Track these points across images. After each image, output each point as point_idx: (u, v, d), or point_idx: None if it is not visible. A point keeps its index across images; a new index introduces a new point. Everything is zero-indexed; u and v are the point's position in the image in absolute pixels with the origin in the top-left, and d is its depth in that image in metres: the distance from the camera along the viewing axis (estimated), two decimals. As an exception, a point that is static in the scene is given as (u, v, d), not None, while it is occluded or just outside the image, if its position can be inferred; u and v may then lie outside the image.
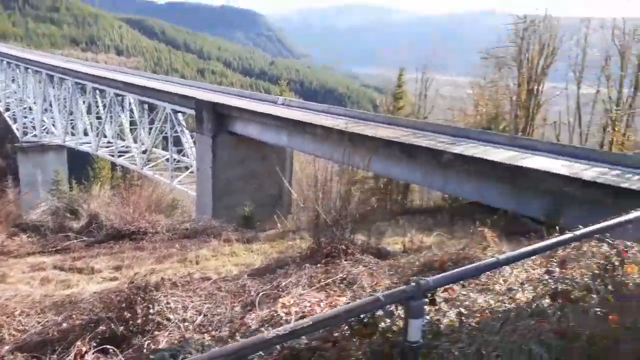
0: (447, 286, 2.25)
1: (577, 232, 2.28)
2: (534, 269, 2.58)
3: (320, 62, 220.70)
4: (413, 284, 1.88)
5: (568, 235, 2.22)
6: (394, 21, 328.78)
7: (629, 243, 2.81)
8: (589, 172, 10.48)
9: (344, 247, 4.30)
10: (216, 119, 17.57)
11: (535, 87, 26.75)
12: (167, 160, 21.23)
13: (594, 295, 2.33)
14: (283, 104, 19.37)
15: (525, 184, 11.86)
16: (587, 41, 22.66)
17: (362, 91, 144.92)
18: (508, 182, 12.41)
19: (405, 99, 40.10)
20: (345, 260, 3.92)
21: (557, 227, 3.27)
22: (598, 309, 2.21)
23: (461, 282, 2.43)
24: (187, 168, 20.90)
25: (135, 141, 23.49)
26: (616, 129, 20.84)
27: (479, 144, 15.13)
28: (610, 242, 2.71)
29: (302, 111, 18.00)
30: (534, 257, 2.43)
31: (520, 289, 2.41)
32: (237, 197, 16.14)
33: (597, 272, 2.51)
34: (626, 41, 20.91)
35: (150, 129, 21.87)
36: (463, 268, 2.01)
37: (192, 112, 18.46)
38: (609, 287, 2.40)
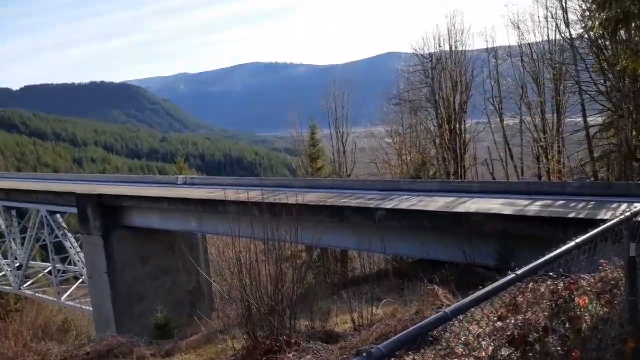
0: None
1: (519, 272, 2.45)
2: (488, 318, 2.71)
3: (220, 130, 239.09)
4: (363, 354, 1.89)
5: (510, 276, 2.37)
6: (294, 75, 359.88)
7: (584, 275, 3.09)
8: (532, 207, 11.90)
9: (285, 337, 4.08)
10: (105, 214, 17.13)
11: (457, 125, 31.51)
12: (50, 273, 20.26)
13: (553, 335, 2.54)
14: (185, 184, 19.90)
15: (469, 230, 13.24)
16: (498, 71, 28.26)
17: (274, 155, 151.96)
18: (450, 232, 13.70)
19: (323, 157, 42.94)
20: (290, 354, 3.73)
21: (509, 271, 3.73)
22: (559, 348, 2.44)
23: (419, 350, 2.52)
24: (76, 278, 20.04)
25: (4, 257, 22.01)
26: (549, 157, 24.96)
27: (411, 196, 17.15)
28: (555, 276, 2.93)
29: (209, 188, 18.54)
30: (484, 305, 2.58)
31: (478, 344, 2.54)
32: (147, 302, 15.79)
33: (551, 310, 2.74)
34: (537, 66, 25.97)
35: (23, 238, 20.98)
36: (414, 327, 2.12)
37: (74, 210, 17.84)
38: (566, 324, 2.63)
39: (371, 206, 15.67)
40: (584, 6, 19.78)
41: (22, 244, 20.71)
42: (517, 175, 29.05)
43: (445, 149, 32.33)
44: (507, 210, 11.97)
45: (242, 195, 15.98)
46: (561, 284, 2.90)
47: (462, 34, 29.65)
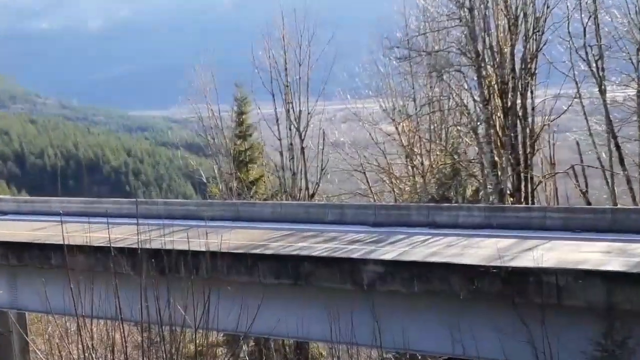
0: None
1: None
2: None
3: (56, 106, 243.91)
4: None
5: None
6: (207, 3, 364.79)
7: None
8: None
9: None
10: None
11: (518, 100, 32.66)
12: None
13: None
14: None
15: (542, 302, 13.46)
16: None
17: (164, 156, 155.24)
18: (505, 306, 14.39)
19: (261, 161, 44.05)
20: None
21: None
22: None
23: None
24: None
25: None
26: None
27: (431, 235, 20.20)
28: None
29: (34, 220, 19.78)
30: None
31: None
32: None
33: None
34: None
35: None
36: None
37: None
38: None
39: (355, 256, 17.93)
40: None
41: None
42: (633, 198, 29.88)
43: (496, 146, 32.93)
44: (616, 265, 12.53)
45: (99, 234, 17.01)
46: None
47: None
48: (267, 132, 42.93)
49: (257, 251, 20.88)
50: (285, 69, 40.18)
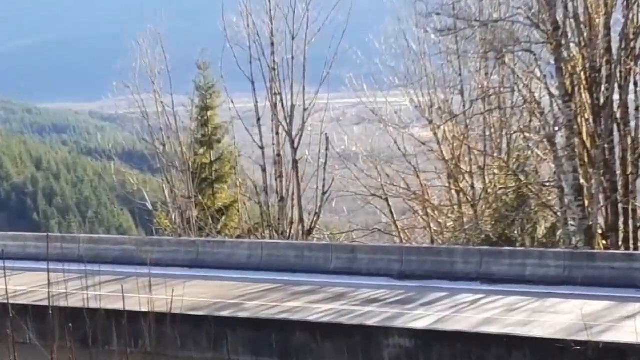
0: None
1: None
2: None
3: None
4: None
5: None
6: None
7: None
8: None
9: None
10: None
11: (617, 94, 32.18)
12: None
13: None
14: None
15: None
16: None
17: (90, 169, 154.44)
18: None
19: (234, 178, 43.76)
20: None
21: None
22: None
23: None
24: None
25: None
26: None
27: (483, 291, 20.33)
28: None
29: None
30: None
31: None
32: None
33: None
34: None
35: None
36: None
37: None
38: None
39: (371, 323, 19.01)
40: None
41: None
42: None
43: (582, 163, 32.99)
44: None
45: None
46: None
47: None
48: (243, 137, 43.00)
49: (226, 314, 20.94)
50: (272, 44, 40.28)
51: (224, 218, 42.03)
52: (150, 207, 44.39)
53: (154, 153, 43.90)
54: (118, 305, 15.28)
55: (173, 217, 42.32)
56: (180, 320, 19.12)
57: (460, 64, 39.43)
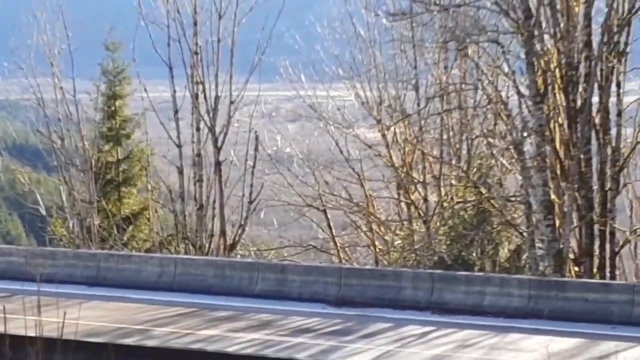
0: None
1: None
2: None
3: None
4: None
5: None
6: None
7: None
8: None
9: None
10: None
11: (597, 95, 32.41)
12: None
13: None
14: None
15: None
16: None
17: None
18: None
19: (142, 181, 43.52)
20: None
21: None
22: None
23: None
24: None
25: None
26: None
27: (431, 323, 20.08)
28: None
29: None
30: None
31: None
32: None
33: None
34: None
35: None
36: None
37: None
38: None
39: (301, 357, 19.05)
40: None
41: None
42: None
43: (554, 175, 32.89)
44: None
45: None
46: None
47: None
48: (158, 132, 42.67)
49: (131, 341, 20.69)
50: (195, 24, 40.17)
51: (131, 228, 41.78)
52: (43, 212, 43.93)
53: (50, 148, 43.48)
54: (-1, 329, 15.01)
55: (71, 224, 42.00)
56: (74, 347, 18.77)
57: (416, 54, 39.57)
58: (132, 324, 22.08)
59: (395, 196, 40.35)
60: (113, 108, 43.96)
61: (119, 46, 44.21)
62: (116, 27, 45.14)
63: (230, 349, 19.95)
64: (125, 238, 40.45)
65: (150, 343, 20.59)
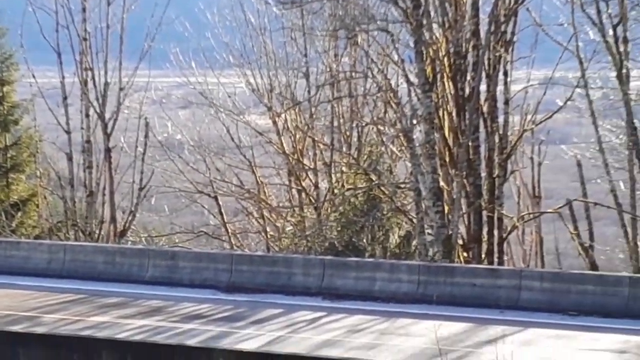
0: None
1: None
2: None
3: None
4: None
5: None
6: None
7: None
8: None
9: None
10: None
11: (484, 83, 32.80)
12: None
13: None
14: None
15: None
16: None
17: None
18: None
19: (32, 170, 42.94)
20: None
21: None
22: None
23: None
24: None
25: None
26: None
27: (327, 308, 20.69)
28: None
29: None
30: None
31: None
32: None
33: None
34: None
35: None
36: None
37: None
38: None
39: (192, 344, 19.49)
40: None
41: None
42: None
43: (443, 162, 33.13)
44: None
45: None
46: None
47: None
48: (47, 118, 42.14)
49: (19, 328, 20.51)
50: (84, 10, 39.79)
51: (19, 214, 41.19)
52: None
53: None
54: None
55: (-45, 211, 41.24)
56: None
57: (306, 42, 39.57)
58: (20, 311, 21.84)
59: (287, 183, 40.34)
60: (1, 94, 43.21)
61: (6, 32, 43.58)
62: (3, 12, 44.32)
63: (120, 336, 19.82)
64: (13, 225, 39.89)
65: (40, 330, 20.37)
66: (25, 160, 43.23)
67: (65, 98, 40.11)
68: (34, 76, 42.15)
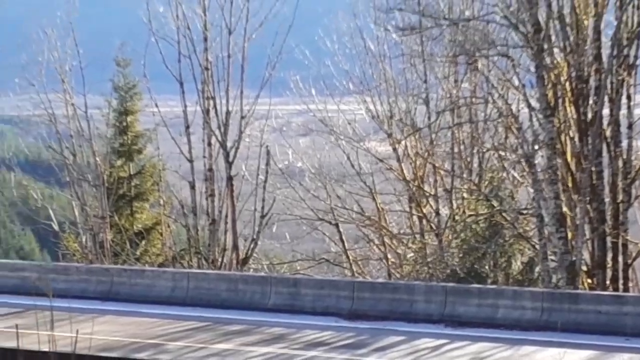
0: None
1: None
2: None
3: None
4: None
5: None
6: None
7: None
8: None
9: None
10: None
11: (607, 108, 32.38)
12: None
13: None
14: None
15: None
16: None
17: None
18: None
19: (156, 199, 43.43)
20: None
21: None
22: None
23: None
24: None
25: None
26: None
27: (449, 335, 19.79)
28: None
29: None
30: None
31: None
32: None
33: None
34: None
35: None
36: None
37: None
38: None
39: None
40: None
41: None
42: None
43: (565, 188, 32.94)
44: None
45: None
46: None
47: None
48: (169, 147, 42.69)
49: (144, 356, 20.69)
50: (205, 40, 40.24)
51: (144, 242, 41.75)
52: (56, 227, 43.90)
53: (63, 164, 43.38)
54: (12, 344, 15.01)
55: (83, 240, 41.91)
56: (88, 363, 18.88)
57: (426, 68, 39.62)
58: (145, 339, 22.09)
59: (407, 209, 40.33)
60: (125, 124, 44.02)
61: (130, 62, 44.33)
62: (127, 43, 45.16)
63: (244, 364, 19.97)
64: (138, 253, 40.44)
65: (164, 357, 20.59)
66: (149, 189, 43.88)
67: (187, 127, 40.64)
68: (157, 105, 42.75)
